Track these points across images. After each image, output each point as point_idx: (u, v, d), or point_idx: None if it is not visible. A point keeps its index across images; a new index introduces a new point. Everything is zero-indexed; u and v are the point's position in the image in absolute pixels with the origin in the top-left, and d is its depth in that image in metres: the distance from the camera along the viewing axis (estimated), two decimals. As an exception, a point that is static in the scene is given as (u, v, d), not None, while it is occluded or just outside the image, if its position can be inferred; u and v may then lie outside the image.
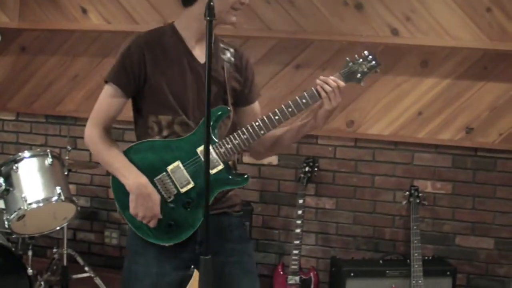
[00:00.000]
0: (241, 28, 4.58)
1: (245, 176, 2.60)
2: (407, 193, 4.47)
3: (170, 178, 2.53)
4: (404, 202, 4.50)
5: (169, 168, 2.53)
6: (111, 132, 2.66)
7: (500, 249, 4.64)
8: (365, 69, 2.58)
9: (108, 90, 2.60)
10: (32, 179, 3.96)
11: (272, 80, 4.78)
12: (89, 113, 5.00)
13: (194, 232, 2.56)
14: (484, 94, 4.55)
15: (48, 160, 4.03)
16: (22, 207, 3.82)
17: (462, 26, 4.48)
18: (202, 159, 2.51)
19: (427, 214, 4.69)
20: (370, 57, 2.60)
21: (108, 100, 2.60)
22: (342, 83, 2.51)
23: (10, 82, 5.24)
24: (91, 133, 2.61)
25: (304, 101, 2.52)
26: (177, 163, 2.53)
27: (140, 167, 2.54)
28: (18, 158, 3.96)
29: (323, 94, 2.50)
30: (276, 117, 2.52)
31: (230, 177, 2.58)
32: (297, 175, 4.70)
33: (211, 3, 2.16)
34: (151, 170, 2.54)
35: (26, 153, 4.01)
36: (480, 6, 4.45)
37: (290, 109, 2.52)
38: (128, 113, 4.97)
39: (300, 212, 4.44)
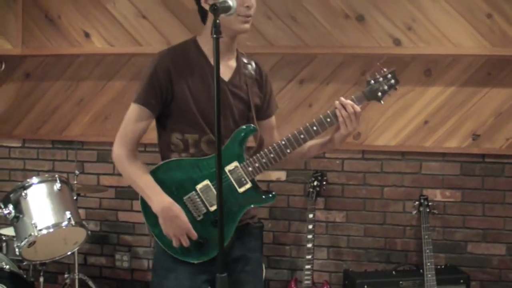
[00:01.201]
0: (244, 45, 4.56)
1: (272, 194, 2.65)
2: (417, 202, 4.46)
3: (200, 197, 2.58)
4: (414, 212, 4.49)
5: (198, 187, 2.58)
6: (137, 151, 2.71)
7: (512, 255, 4.63)
8: (386, 88, 2.65)
9: (135, 110, 2.62)
10: (41, 205, 3.94)
11: (277, 96, 4.70)
12: (95, 137, 5.11)
13: None
14: (489, 100, 4.55)
15: (57, 185, 4.02)
16: (32, 234, 3.80)
17: (463, 33, 4.49)
18: (231, 178, 2.58)
19: (437, 223, 4.67)
20: (390, 75, 2.65)
21: (135, 120, 2.62)
22: (358, 109, 2.56)
23: (15, 109, 5.26)
24: (119, 153, 2.65)
25: (328, 120, 2.58)
26: (206, 182, 2.58)
27: (169, 186, 2.58)
28: (26, 184, 3.95)
29: (340, 119, 2.55)
30: (302, 136, 2.58)
31: (257, 195, 2.62)
32: (306, 190, 4.69)
33: (217, 21, 2.19)
34: (181, 189, 2.59)
35: (35, 179, 4.00)
36: (480, 12, 4.46)
37: (315, 128, 2.58)
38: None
39: (310, 226, 4.43)
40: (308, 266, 4.39)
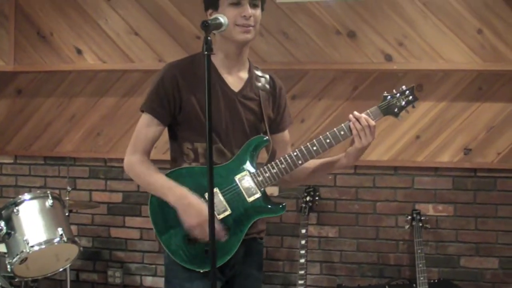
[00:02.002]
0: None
1: (282, 205, 2.62)
2: (409, 217, 4.47)
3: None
4: (407, 227, 4.49)
5: (207, 194, 2.51)
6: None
7: (505, 268, 4.62)
8: (403, 104, 2.64)
9: (144, 119, 2.66)
10: (33, 222, 3.94)
11: (268, 111, 4.79)
12: (87, 153, 5.11)
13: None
14: (480, 115, 4.57)
15: (49, 202, 4.01)
16: (24, 250, 3.80)
17: (454, 49, 4.53)
18: (240, 187, 2.58)
19: (430, 237, 4.67)
20: (408, 91, 2.65)
21: (145, 129, 2.66)
22: (372, 123, 2.55)
23: (7, 125, 5.25)
24: (130, 160, 2.67)
25: (342, 133, 2.57)
26: (215, 189, 2.55)
27: None
28: (18, 201, 3.95)
29: (354, 131, 2.55)
30: (314, 148, 2.57)
31: (267, 205, 2.60)
32: (299, 205, 4.68)
33: (208, 38, 2.20)
34: None
35: (26, 196, 3.99)
36: (471, 28, 4.50)
37: (328, 140, 2.58)
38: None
39: (303, 242, 4.42)
40: (301, 282, 4.37)
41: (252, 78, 2.73)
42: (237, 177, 2.58)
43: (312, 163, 2.71)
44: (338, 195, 4.80)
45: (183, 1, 4.85)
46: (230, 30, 2.52)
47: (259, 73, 2.79)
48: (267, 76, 2.81)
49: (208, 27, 2.24)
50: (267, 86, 2.78)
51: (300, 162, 2.57)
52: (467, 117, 4.59)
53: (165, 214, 2.58)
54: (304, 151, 2.57)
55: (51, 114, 5.18)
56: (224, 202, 2.56)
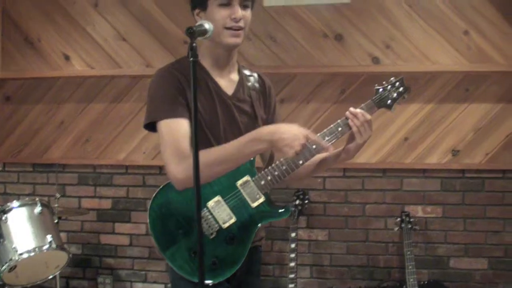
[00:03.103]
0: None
1: (286, 207, 2.58)
2: (399, 219, 4.48)
3: (211, 214, 2.49)
4: (396, 229, 4.50)
5: (209, 203, 2.49)
6: None
7: (494, 269, 4.64)
8: (395, 95, 2.63)
9: (168, 124, 2.45)
10: (22, 229, 3.93)
11: (257, 115, 4.79)
12: (76, 160, 5.11)
13: None
14: (467, 116, 4.60)
15: (38, 209, 4.00)
16: (13, 258, 3.79)
17: (441, 51, 4.56)
18: (243, 192, 2.50)
19: (419, 239, 4.69)
20: (398, 83, 2.64)
21: (175, 132, 2.44)
22: (369, 116, 2.52)
23: (-4, 132, 5.25)
24: (182, 169, 2.41)
25: (340, 129, 2.53)
26: (218, 198, 2.50)
27: (179, 204, 2.47)
28: (6, 208, 3.94)
29: (354, 128, 2.51)
30: (314, 146, 2.49)
31: (271, 209, 2.55)
32: (288, 209, 4.68)
33: (194, 45, 2.14)
34: (192, 206, 2.35)
35: (15, 203, 3.98)
36: (457, 29, 4.53)
37: (326, 138, 2.52)
38: (117, 157, 4.97)
39: (293, 245, 4.42)
40: (291, 285, 4.37)
41: (243, 79, 2.68)
42: (238, 183, 2.50)
43: (312, 159, 2.62)
44: (327, 198, 4.81)
45: (170, 6, 4.86)
46: (219, 34, 2.47)
47: (247, 72, 2.74)
48: (256, 75, 2.76)
49: (193, 33, 2.16)
50: (257, 85, 2.73)
51: (300, 162, 2.50)
52: (455, 118, 4.61)
53: (166, 228, 2.49)
54: (304, 150, 2.47)
55: (39, 121, 5.17)
56: (229, 210, 2.49)
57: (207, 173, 2.36)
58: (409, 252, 4.29)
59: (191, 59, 2.14)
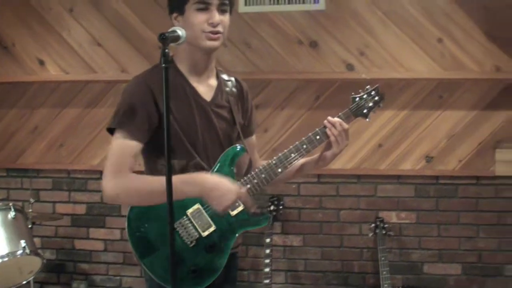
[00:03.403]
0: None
1: (265, 215, 2.62)
2: (373, 225, 4.51)
3: (191, 222, 2.48)
4: (370, 234, 4.53)
5: (189, 211, 2.49)
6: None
7: (468, 274, 4.68)
8: (371, 104, 2.65)
9: (119, 137, 2.43)
10: (-5, 234, 3.90)
11: (232, 121, 4.79)
12: (50, 165, 5.06)
13: None
14: (441, 123, 4.63)
15: (11, 214, 3.99)
16: (-14, 263, 3.77)
17: (415, 58, 4.59)
18: None
19: (394, 245, 4.71)
20: (373, 92, 2.67)
21: (122, 146, 2.42)
22: (346, 126, 2.55)
23: (-31, 137, 5.20)
24: (113, 184, 2.41)
25: (318, 137, 2.56)
26: (197, 206, 2.49)
27: (158, 212, 2.41)
28: (-20, 213, 3.92)
29: (332, 138, 2.54)
30: (292, 155, 2.52)
31: (250, 218, 2.55)
32: (263, 214, 4.69)
33: (166, 51, 2.12)
34: None
35: (-12, 208, 3.96)
36: (431, 37, 4.57)
37: (305, 146, 2.55)
38: (91, 162, 4.94)
39: (268, 251, 4.43)
40: (266, 291, 4.39)
41: (221, 85, 2.66)
42: None
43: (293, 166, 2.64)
44: (302, 204, 4.82)
45: (145, 12, 4.84)
46: (197, 37, 2.45)
47: (225, 77, 2.71)
48: (233, 79, 2.74)
49: (165, 39, 2.14)
50: (234, 90, 2.71)
51: (279, 170, 2.53)
52: (429, 125, 4.65)
53: (146, 235, 2.47)
54: (283, 158, 2.52)
55: (13, 125, 5.13)
56: (208, 218, 2.48)
57: (136, 198, 2.42)
58: (383, 258, 4.32)
59: (163, 65, 2.11)
